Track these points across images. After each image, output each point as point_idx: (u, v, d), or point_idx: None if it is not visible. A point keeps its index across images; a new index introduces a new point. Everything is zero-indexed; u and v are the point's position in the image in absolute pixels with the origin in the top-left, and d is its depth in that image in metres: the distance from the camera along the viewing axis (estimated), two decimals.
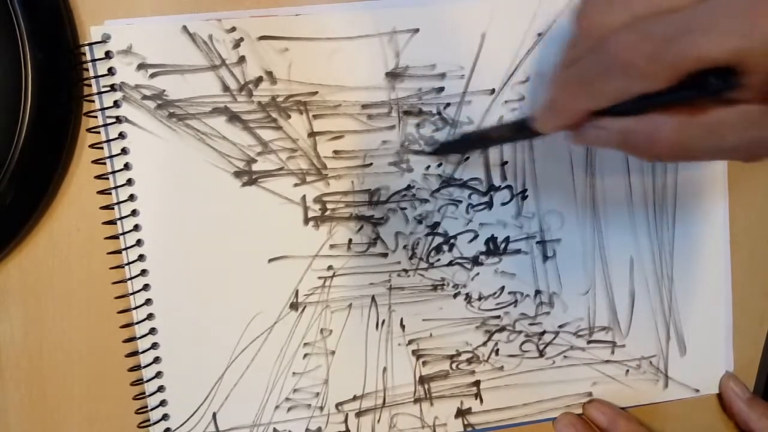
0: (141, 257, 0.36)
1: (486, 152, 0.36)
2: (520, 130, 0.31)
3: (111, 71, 0.34)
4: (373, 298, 0.38)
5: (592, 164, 0.38)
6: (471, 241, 0.38)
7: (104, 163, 0.34)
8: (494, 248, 0.38)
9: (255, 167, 0.35)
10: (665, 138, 0.24)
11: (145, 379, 0.37)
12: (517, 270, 0.38)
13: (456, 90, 0.36)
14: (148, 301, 0.36)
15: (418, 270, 0.38)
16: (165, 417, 0.37)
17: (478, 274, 0.38)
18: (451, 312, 0.39)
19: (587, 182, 0.38)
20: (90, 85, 0.34)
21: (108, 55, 0.33)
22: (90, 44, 0.33)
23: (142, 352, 0.37)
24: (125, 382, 0.37)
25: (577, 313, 0.39)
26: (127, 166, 0.35)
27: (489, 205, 0.37)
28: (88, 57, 0.33)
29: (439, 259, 0.38)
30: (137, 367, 0.37)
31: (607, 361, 0.40)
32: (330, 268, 0.37)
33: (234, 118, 0.35)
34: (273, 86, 0.35)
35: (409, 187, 0.37)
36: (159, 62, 0.34)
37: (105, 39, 0.33)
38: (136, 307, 0.36)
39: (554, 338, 0.40)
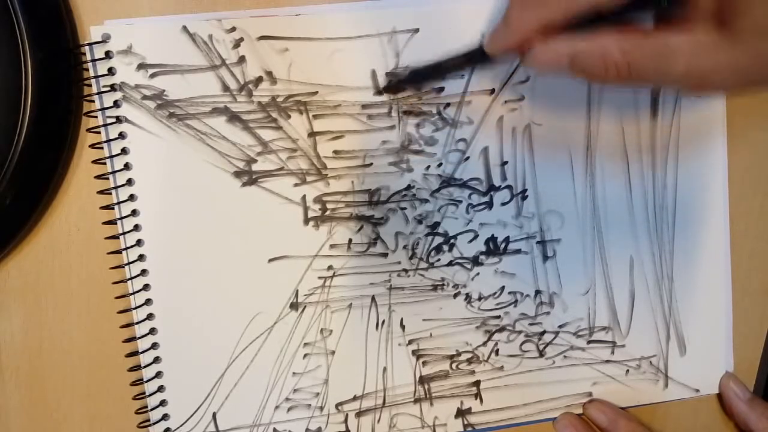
0: (141, 257, 0.36)
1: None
2: (472, 57, 0.30)
3: (111, 71, 0.34)
4: (373, 298, 0.38)
5: (592, 164, 0.38)
6: (471, 241, 0.38)
7: (104, 163, 0.34)
8: (494, 248, 0.38)
9: (255, 167, 0.35)
10: (615, 59, 0.24)
11: (145, 379, 0.37)
12: (517, 270, 0.38)
13: (456, 90, 0.36)
14: (148, 301, 0.36)
15: (418, 270, 0.38)
16: (165, 417, 0.37)
17: (478, 274, 0.38)
18: (451, 312, 0.38)
19: (587, 182, 0.38)
20: (90, 85, 0.34)
21: (108, 55, 0.33)
22: (90, 44, 0.33)
23: (142, 352, 0.37)
24: (125, 382, 0.37)
25: (577, 313, 0.39)
26: (127, 166, 0.35)
27: (489, 205, 0.37)
28: (88, 57, 0.33)
29: (439, 259, 0.38)
30: (137, 367, 0.37)
31: (607, 361, 0.40)
32: (330, 268, 0.37)
33: (234, 118, 0.35)
34: (273, 86, 0.35)
35: (409, 187, 0.37)
36: (159, 62, 0.34)
37: (105, 39, 0.33)
38: (136, 307, 0.36)
39: (554, 338, 0.40)
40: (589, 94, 0.37)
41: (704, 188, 0.39)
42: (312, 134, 0.35)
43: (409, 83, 0.35)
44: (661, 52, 0.24)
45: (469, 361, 0.39)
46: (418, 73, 0.34)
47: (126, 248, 0.35)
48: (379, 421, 0.39)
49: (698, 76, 0.24)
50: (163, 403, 0.37)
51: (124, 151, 0.34)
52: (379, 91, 0.35)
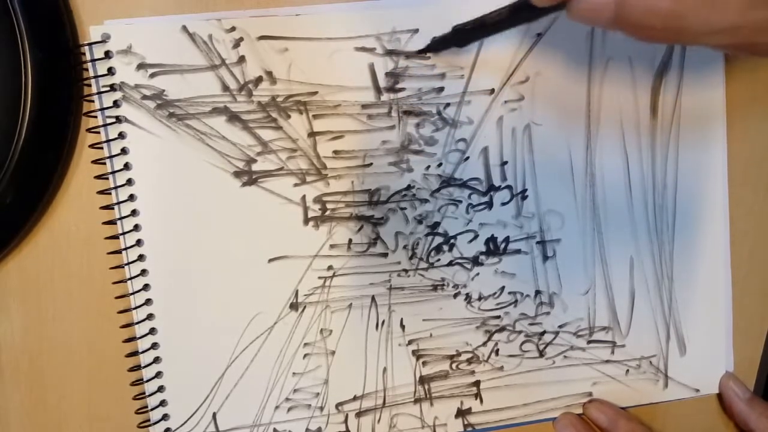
0: (141, 257, 0.36)
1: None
2: (517, 8, 0.30)
3: (111, 71, 0.34)
4: (373, 298, 0.38)
5: (592, 164, 0.38)
6: (471, 241, 0.38)
7: (104, 163, 0.34)
8: (494, 248, 0.38)
9: (255, 167, 0.35)
10: (663, 7, 0.23)
11: (145, 379, 0.37)
12: (517, 270, 0.38)
13: (456, 90, 0.36)
14: (148, 301, 0.36)
15: (418, 270, 0.38)
16: (165, 417, 0.37)
17: (478, 274, 0.38)
18: (451, 312, 0.38)
19: (587, 182, 0.38)
20: (90, 85, 0.34)
21: (108, 55, 0.33)
22: (90, 44, 0.33)
23: (142, 352, 0.37)
24: (125, 382, 0.37)
25: (577, 313, 0.39)
26: (127, 166, 0.35)
27: (489, 205, 0.37)
28: (88, 57, 0.33)
29: (439, 259, 0.38)
30: (137, 367, 0.37)
31: (607, 361, 0.40)
32: (330, 268, 0.37)
33: (234, 118, 0.35)
34: (273, 86, 0.35)
35: (409, 187, 0.37)
36: (159, 62, 0.34)
37: (105, 39, 0.33)
38: (136, 307, 0.36)
39: (554, 338, 0.40)
40: (588, 94, 0.37)
41: (704, 188, 0.39)
42: (312, 134, 0.35)
43: (453, 41, 0.34)
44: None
45: (469, 361, 0.39)
46: (461, 30, 0.33)
47: (126, 248, 0.35)
48: (379, 421, 0.39)
49: (750, 31, 0.23)
50: (163, 403, 0.37)
51: (123, 151, 0.34)
52: (421, 50, 0.35)
